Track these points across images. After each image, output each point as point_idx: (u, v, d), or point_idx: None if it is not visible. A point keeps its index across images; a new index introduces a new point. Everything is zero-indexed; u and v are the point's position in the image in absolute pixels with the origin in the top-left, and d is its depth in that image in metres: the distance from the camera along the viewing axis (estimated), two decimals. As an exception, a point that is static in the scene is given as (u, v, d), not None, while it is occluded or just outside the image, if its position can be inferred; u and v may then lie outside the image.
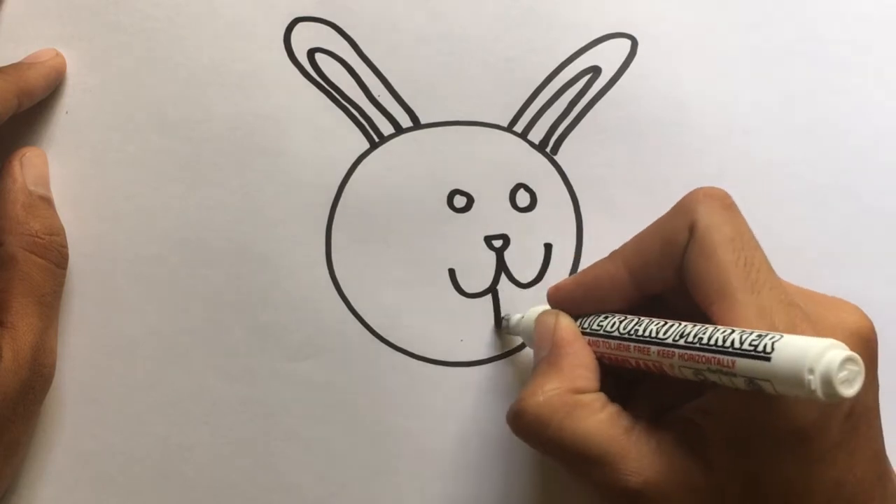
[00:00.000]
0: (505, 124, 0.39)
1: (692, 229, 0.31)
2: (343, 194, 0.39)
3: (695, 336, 0.29)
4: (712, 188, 0.32)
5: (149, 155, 0.39)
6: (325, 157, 0.39)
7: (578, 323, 0.35)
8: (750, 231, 0.32)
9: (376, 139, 0.39)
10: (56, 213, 0.39)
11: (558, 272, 0.39)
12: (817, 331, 0.30)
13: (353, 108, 0.39)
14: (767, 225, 0.39)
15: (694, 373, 0.29)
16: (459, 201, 0.39)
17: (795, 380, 0.26)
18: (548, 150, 0.39)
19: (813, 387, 0.25)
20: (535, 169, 0.39)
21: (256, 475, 0.39)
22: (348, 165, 0.39)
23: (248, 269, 0.39)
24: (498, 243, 0.39)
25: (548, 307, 0.36)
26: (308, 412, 0.39)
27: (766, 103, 0.39)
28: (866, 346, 0.31)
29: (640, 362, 0.32)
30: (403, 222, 0.39)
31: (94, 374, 0.39)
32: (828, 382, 0.25)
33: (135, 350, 0.39)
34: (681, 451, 0.30)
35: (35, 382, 0.37)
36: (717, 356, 0.28)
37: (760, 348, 0.27)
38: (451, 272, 0.39)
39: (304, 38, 0.39)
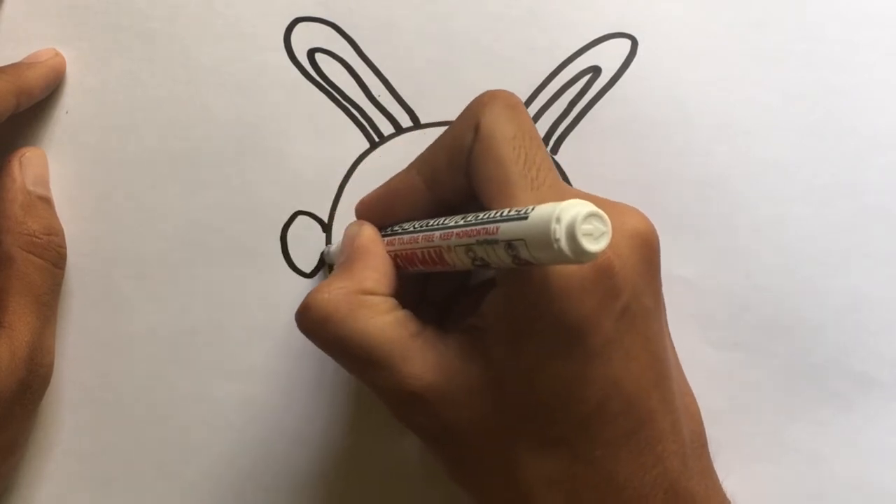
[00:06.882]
0: None
1: (476, 130, 0.31)
2: (343, 194, 0.39)
3: (474, 217, 0.30)
4: (498, 90, 0.32)
5: (149, 155, 0.39)
6: (325, 157, 0.39)
7: (383, 233, 0.35)
8: (534, 130, 0.32)
9: (376, 139, 0.39)
10: (55, 213, 0.39)
11: (558, 272, 0.39)
12: None
13: (353, 108, 0.39)
14: (767, 225, 0.39)
15: (466, 250, 0.29)
16: (459, 201, 0.39)
17: (544, 233, 0.26)
18: (548, 149, 0.39)
19: (558, 235, 0.25)
20: (534, 169, 0.39)
21: (256, 475, 0.39)
22: (348, 165, 0.39)
23: (248, 269, 0.39)
24: (498, 243, 0.39)
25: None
26: (308, 412, 0.39)
27: (766, 103, 0.39)
28: (646, 246, 0.31)
29: (426, 253, 0.32)
30: (403, 222, 0.39)
31: (94, 374, 0.39)
32: (571, 234, 0.25)
33: (135, 350, 0.39)
34: (462, 355, 0.31)
35: (32, 382, 0.37)
36: (485, 226, 0.28)
37: (523, 213, 0.27)
38: (451, 272, 0.39)
39: (304, 38, 0.39)
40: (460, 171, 0.32)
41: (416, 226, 0.33)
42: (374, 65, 0.39)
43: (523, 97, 0.39)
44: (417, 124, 0.39)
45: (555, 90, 0.39)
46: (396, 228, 0.34)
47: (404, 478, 0.39)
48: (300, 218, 0.39)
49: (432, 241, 0.31)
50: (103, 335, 0.39)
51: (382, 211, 0.35)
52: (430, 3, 0.39)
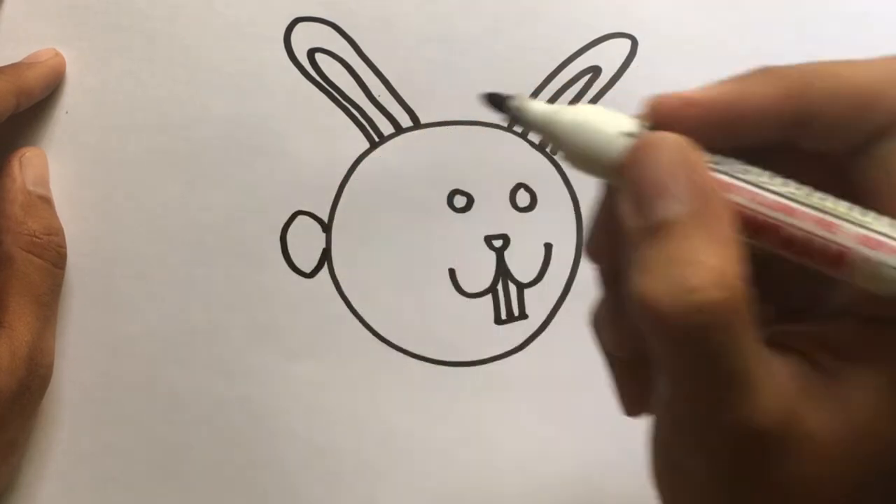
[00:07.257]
0: (505, 124, 0.39)
1: None
2: (343, 194, 0.39)
3: None
4: None
5: (149, 155, 0.39)
6: (325, 157, 0.39)
7: (714, 168, 0.23)
8: None
9: (376, 139, 0.39)
10: (55, 213, 0.39)
11: (558, 272, 0.39)
12: None
13: (353, 108, 0.39)
14: (767, 225, 0.39)
15: None
16: (459, 201, 0.39)
17: None
18: (548, 149, 0.39)
19: None
20: (535, 169, 0.39)
21: (256, 475, 0.39)
22: (348, 165, 0.39)
23: (248, 269, 0.39)
24: (498, 243, 0.39)
25: (607, 112, 0.24)
26: (308, 412, 0.39)
27: (767, 103, 0.39)
28: None
29: (811, 241, 0.23)
30: (403, 222, 0.39)
31: (94, 374, 0.39)
32: None
33: (135, 350, 0.39)
34: (803, 390, 0.23)
35: (32, 382, 0.37)
36: None
37: None
38: (452, 272, 0.39)
39: (304, 38, 0.39)
40: (846, 141, 0.24)
41: (799, 194, 0.23)
42: (374, 65, 0.39)
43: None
44: (417, 124, 0.39)
45: (555, 90, 0.39)
46: (736, 170, 0.23)
47: (399, 476, 0.39)
48: (300, 218, 0.39)
49: (834, 232, 0.22)
50: (103, 335, 0.39)
51: (715, 127, 0.24)
52: (430, 3, 0.39)
